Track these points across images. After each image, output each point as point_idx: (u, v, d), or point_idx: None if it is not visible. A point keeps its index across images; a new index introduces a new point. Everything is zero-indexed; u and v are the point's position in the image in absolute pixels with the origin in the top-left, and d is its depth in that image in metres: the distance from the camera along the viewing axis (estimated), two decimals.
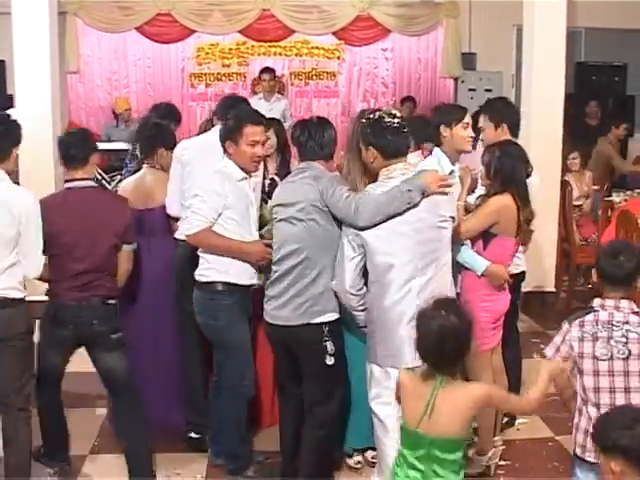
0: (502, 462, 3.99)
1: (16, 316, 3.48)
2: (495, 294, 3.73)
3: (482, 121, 4.29)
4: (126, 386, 3.75)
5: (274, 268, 3.57)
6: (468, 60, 10.00)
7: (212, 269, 3.67)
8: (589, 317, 2.88)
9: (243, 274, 3.69)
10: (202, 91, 9.99)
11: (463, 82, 9.99)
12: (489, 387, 2.95)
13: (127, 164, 5.61)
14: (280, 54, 10.01)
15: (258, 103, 7.47)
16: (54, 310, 3.68)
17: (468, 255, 3.72)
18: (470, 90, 9.84)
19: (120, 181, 8.01)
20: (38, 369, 3.72)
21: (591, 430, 2.56)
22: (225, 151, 3.71)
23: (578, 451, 2.89)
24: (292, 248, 3.47)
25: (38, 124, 5.95)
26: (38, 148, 5.73)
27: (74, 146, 3.71)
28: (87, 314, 3.63)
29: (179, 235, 3.96)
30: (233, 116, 3.76)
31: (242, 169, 3.70)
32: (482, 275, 3.69)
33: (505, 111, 4.31)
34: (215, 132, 3.99)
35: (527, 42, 6.51)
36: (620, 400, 2.81)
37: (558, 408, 4.63)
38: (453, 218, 3.32)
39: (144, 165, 4.31)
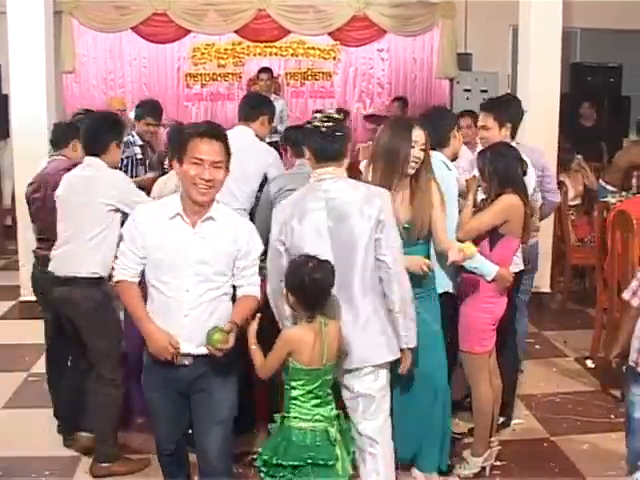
0: (498, 463, 3.99)
1: (80, 294, 3.80)
2: (496, 297, 3.71)
3: (484, 120, 4.22)
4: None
5: None
6: (464, 61, 9.99)
7: None
8: None
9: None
10: (198, 91, 9.96)
11: (459, 83, 9.97)
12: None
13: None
14: (276, 54, 9.98)
15: None
16: None
17: (477, 261, 3.57)
18: (466, 91, 9.83)
19: None
20: None
21: None
22: None
23: (633, 365, 3.31)
24: None
25: (33, 124, 5.97)
26: (33, 147, 5.72)
27: (56, 132, 4.39)
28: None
29: None
30: (183, 129, 3.39)
31: (189, 199, 2.98)
32: (492, 280, 3.64)
33: (511, 111, 4.27)
34: None
35: (523, 42, 6.52)
36: None
37: (554, 409, 4.68)
38: (379, 221, 3.15)
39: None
